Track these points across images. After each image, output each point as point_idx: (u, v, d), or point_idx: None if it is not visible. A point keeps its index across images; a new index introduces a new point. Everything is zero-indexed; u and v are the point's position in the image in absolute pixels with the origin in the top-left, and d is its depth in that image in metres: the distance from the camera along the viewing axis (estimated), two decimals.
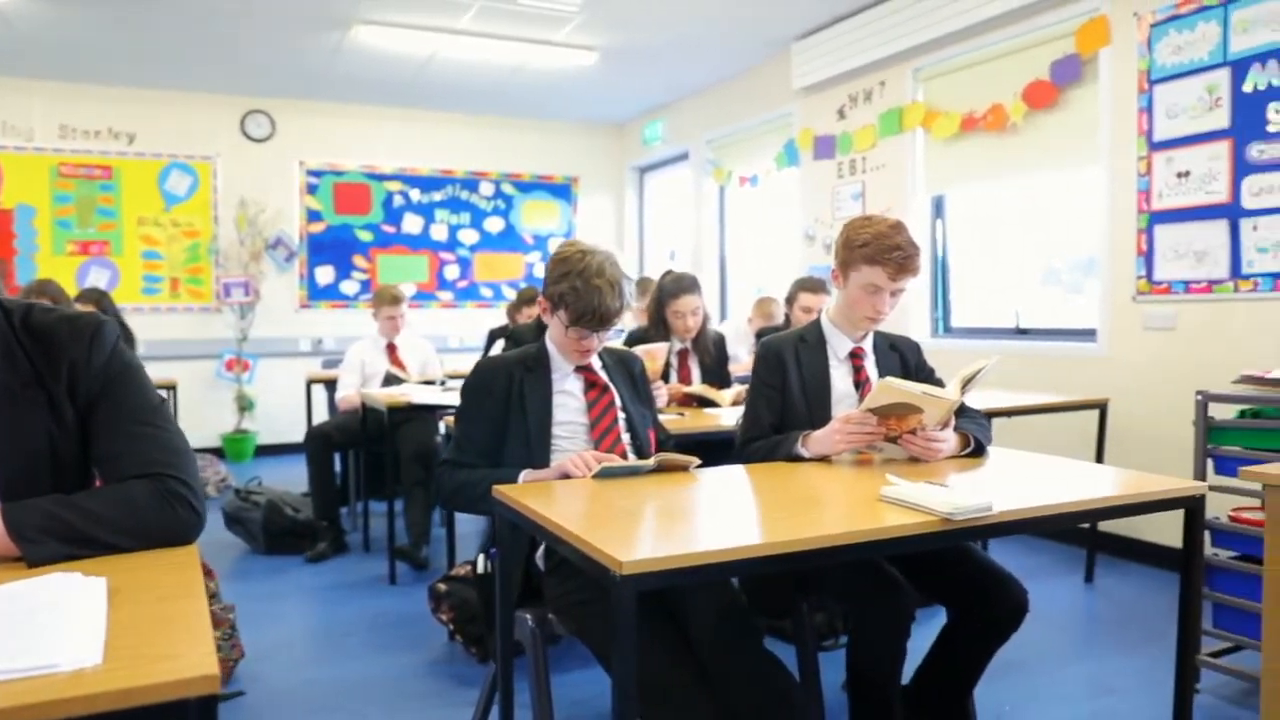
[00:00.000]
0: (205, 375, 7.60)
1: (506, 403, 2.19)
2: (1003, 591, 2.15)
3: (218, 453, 7.31)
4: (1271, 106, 3.75)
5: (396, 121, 8.15)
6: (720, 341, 3.88)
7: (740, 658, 1.87)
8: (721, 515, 1.79)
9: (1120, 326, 4.38)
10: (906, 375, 2.45)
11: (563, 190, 8.84)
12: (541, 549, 2.15)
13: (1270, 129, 3.76)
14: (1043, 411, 4.01)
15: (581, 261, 2.09)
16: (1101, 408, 3.99)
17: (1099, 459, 3.98)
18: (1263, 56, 3.78)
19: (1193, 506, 1.93)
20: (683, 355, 3.85)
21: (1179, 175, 4.10)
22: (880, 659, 2.08)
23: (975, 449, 2.26)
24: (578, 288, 2.08)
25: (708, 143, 7.65)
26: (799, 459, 2.24)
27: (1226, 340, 3.91)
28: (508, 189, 8.60)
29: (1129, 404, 4.21)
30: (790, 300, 4.65)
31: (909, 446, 2.17)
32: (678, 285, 3.81)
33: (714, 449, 2.59)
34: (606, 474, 2.00)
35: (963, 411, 2.38)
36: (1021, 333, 5.10)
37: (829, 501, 1.86)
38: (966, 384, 2.13)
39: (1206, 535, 2.87)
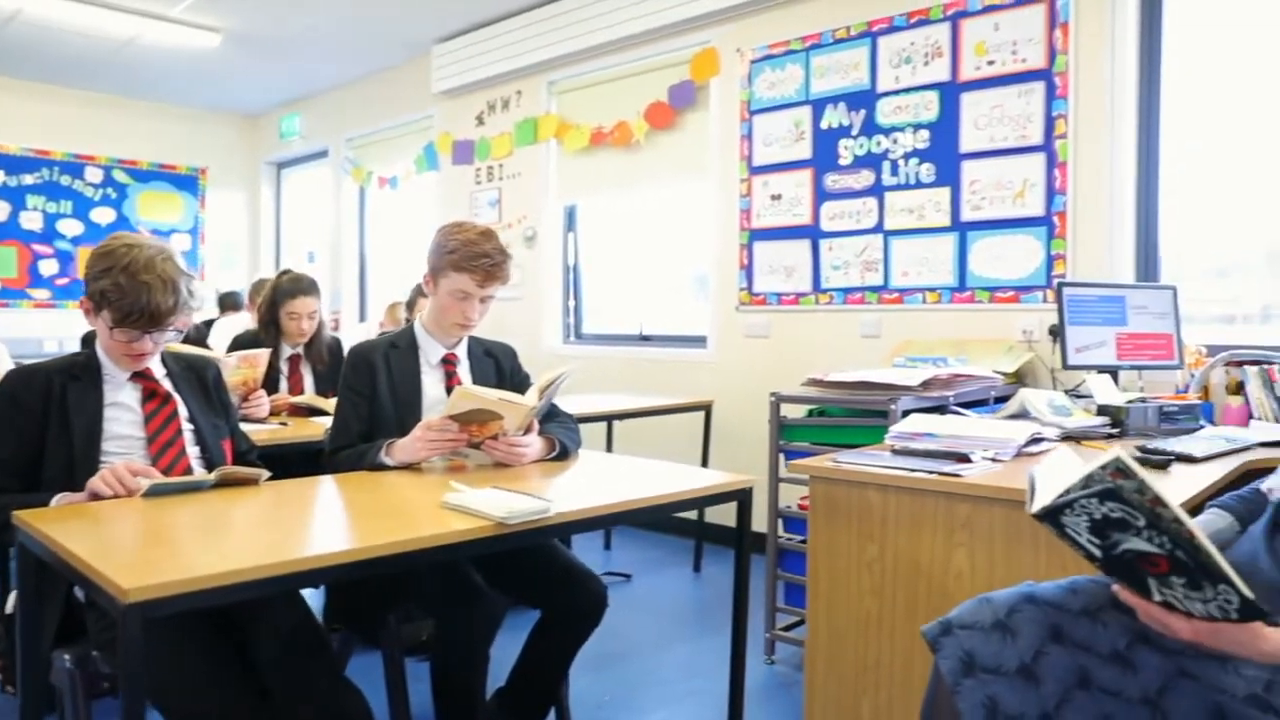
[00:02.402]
0: None
1: (45, 417, 1.94)
2: (583, 589, 2.23)
3: None
4: (842, 143, 4.26)
5: None
6: (336, 348, 3.72)
7: (306, 681, 1.78)
8: (269, 530, 1.68)
9: (726, 334, 4.78)
10: (501, 381, 2.48)
11: (188, 182, 8.12)
12: None
13: (841, 162, 4.27)
14: (658, 413, 4.27)
15: (127, 255, 1.90)
16: (707, 409, 4.32)
17: (705, 455, 4.31)
18: (834, 99, 4.29)
19: (742, 498, 2.11)
20: (294, 361, 3.66)
21: (773, 198, 4.54)
22: (464, 665, 2.08)
23: (560, 453, 2.33)
24: (121, 284, 1.88)
25: (347, 141, 7.38)
26: (384, 467, 2.19)
27: (810, 346, 4.38)
28: (120, 176, 7.75)
29: (733, 405, 4.58)
30: (411, 305, 4.60)
31: (492, 452, 2.20)
32: (296, 286, 3.62)
33: (314, 459, 2.48)
34: (157, 492, 1.82)
35: (553, 416, 2.45)
36: (645, 339, 5.40)
37: (396, 511, 1.82)
38: (544, 391, 2.19)
39: (780, 522, 3.18)
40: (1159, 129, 3.60)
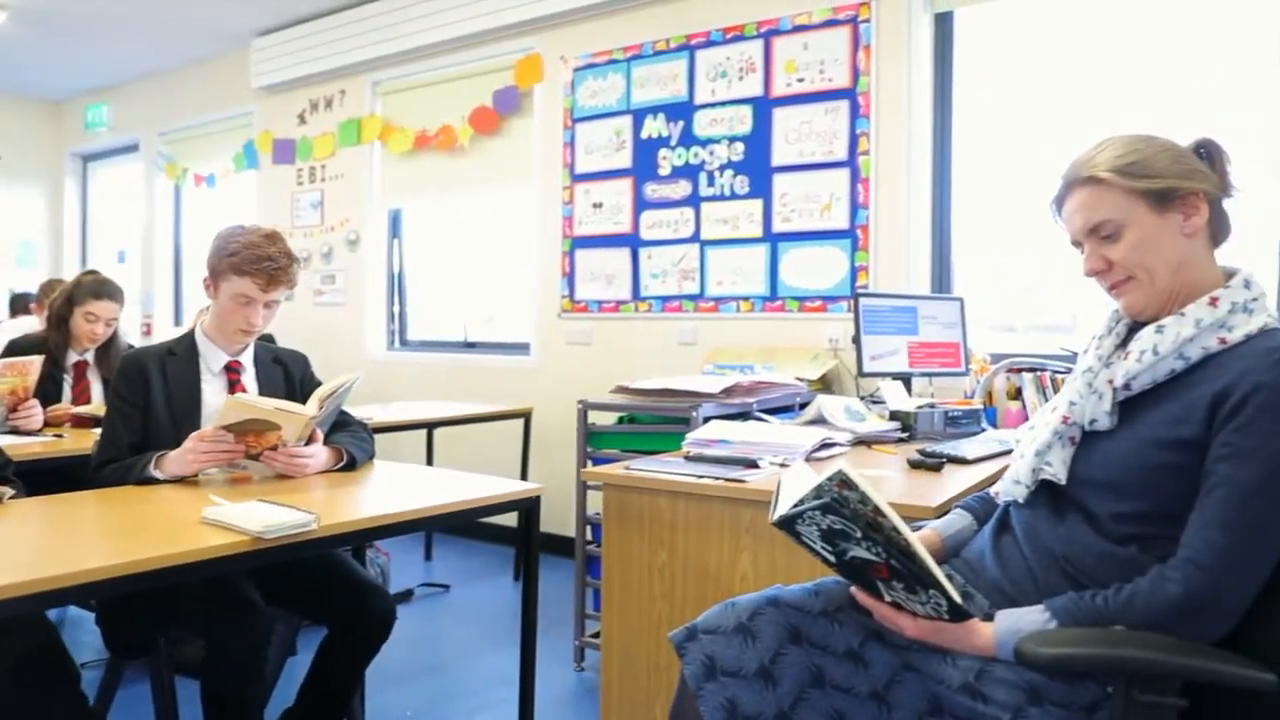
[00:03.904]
0: None
1: None
2: (370, 604, 2.17)
3: None
4: (661, 153, 4.33)
5: None
6: None
7: (43, 707, 1.66)
8: (6, 551, 1.57)
9: (548, 341, 4.77)
10: (291, 390, 2.40)
11: None
12: None
13: (661, 172, 4.34)
14: (476, 421, 4.23)
15: None
16: (526, 417, 4.30)
17: (524, 463, 4.30)
18: (654, 110, 4.36)
19: (529, 507, 2.11)
20: (81, 368, 3.42)
21: (594, 206, 4.57)
22: (235, 685, 1.98)
23: (349, 463, 2.26)
24: None
25: (161, 135, 7.00)
26: (154, 481, 2.07)
27: (630, 353, 4.43)
28: None
29: (555, 412, 4.57)
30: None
31: (271, 463, 2.11)
32: (100, 288, 3.40)
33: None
34: None
35: (343, 425, 2.38)
36: (470, 346, 5.33)
37: (152, 527, 1.72)
38: (326, 400, 2.13)
39: (589, 529, 3.20)
40: (951, 149, 3.83)
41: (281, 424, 2.04)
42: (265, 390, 2.34)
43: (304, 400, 2.20)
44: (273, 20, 5.80)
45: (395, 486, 2.18)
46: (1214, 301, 1.36)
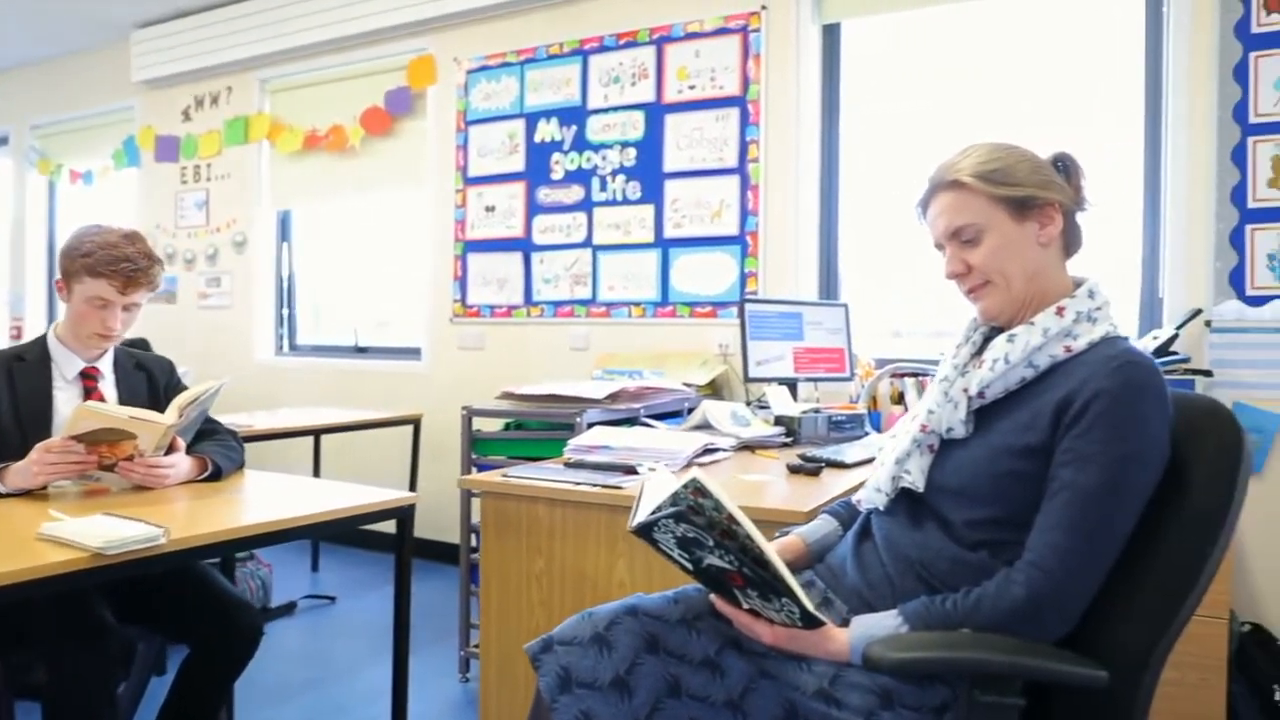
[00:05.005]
0: None
1: None
2: (235, 619, 2.09)
3: None
4: (554, 157, 4.31)
5: None
6: None
7: None
8: None
9: (440, 346, 4.70)
10: (155, 398, 2.30)
11: None
12: None
13: (554, 176, 4.31)
14: (364, 428, 4.13)
15: None
16: (416, 423, 4.22)
17: (414, 470, 4.22)
18: (547, 113, 4.33)
19: (403, 516, 2.06)
20: None
21: (487, 209, 4.51)
22: (81, 710, 1.88)
23: (214, 473, 2.18)
24: None
25: (33, 129, 6.66)
26: None
27: (523, 358, 4.39)
28: None
29: (446, 418, 4.48)
30: None
31: (128, 475, 2.01)
32: None
33: None
34: None
35: (210, 434, 2.29)
36: (361, 351, 5.21)
37: None
38: (186, 407, 2.04)
39: (474, 537, 3.14)
40: (839, 157, 3.90)
41: (137, 433, 1.95)
42: (126, 398, 2.23)
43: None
44: (155, 12, 5.58)
45: (263, 497, 2.10)
46: (1060, 311, 1.40)
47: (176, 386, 2.39)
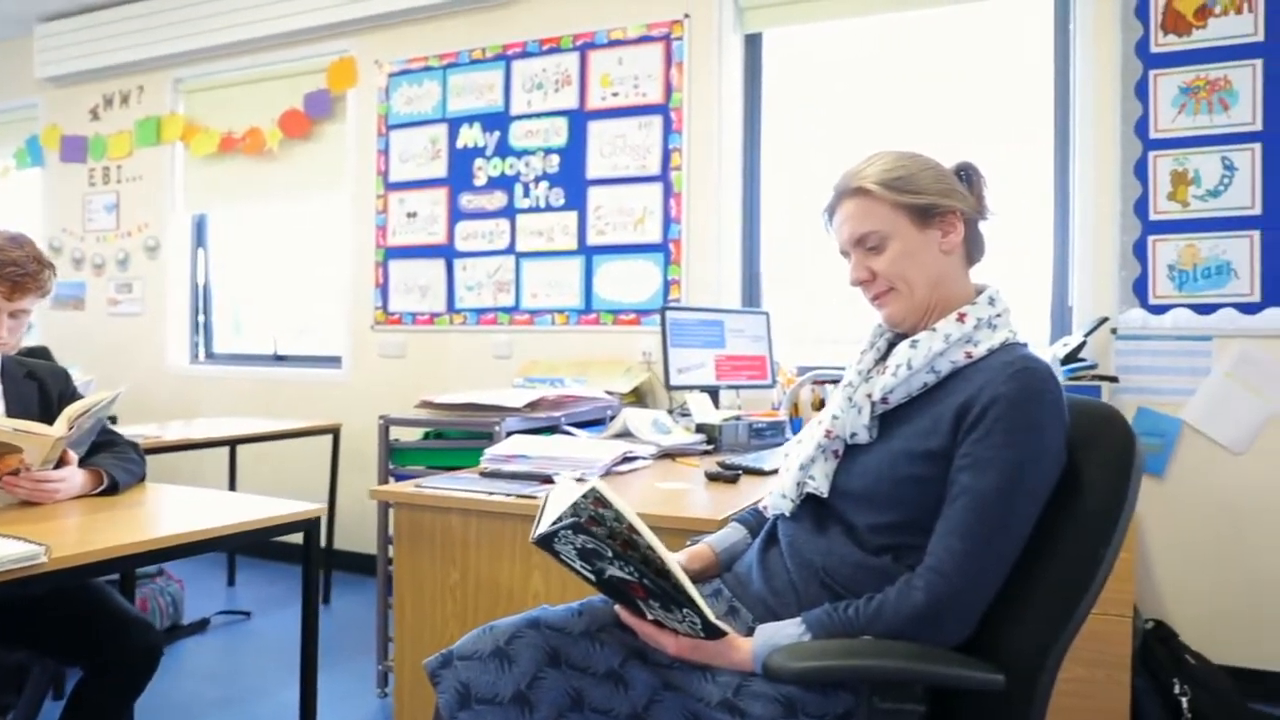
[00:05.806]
0: None
1: None
2: (130, 639, 2.01)
3: None
4: (477, 163, 4.26)
5: None
6: None
7: None
8: None
9: (361, 354, 4.61)
10: (47, 409, 2.19)
11: None
12: None
13: (476, 182, 4.27)
14: (281, 437, 4.03)
15: None
16: (335, 432, 4.13)
17: (333, 480, 4.13)
18: (470, 119, 4.28)
19: (309, 529, 2.00)
20: None
21: (409, 215, 4.45)
22: None
23: (110, 486, 2.09)
24: None
25: None
26: None
27: (445, 367, 4.33)
28: None
29: (365, 427, 4.40)
30: None
31: (14, 490, 1.92)
32: None
33: None
34: None
35: (108, 446, 2.20)
36: (280, 359, 5.09)
37: None
38: (77, 419, 1.96)
39: (390, 548, 3.08)
40: (760, 165, 3.93)
41: (23, 445, 1.86)
42: (14, 410, 2.13)
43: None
44: (60, 5, 5.39)
45: (163, 510, 2.03)
46: (962, 317, 1.41)
47: (71, 397, 2.29)
